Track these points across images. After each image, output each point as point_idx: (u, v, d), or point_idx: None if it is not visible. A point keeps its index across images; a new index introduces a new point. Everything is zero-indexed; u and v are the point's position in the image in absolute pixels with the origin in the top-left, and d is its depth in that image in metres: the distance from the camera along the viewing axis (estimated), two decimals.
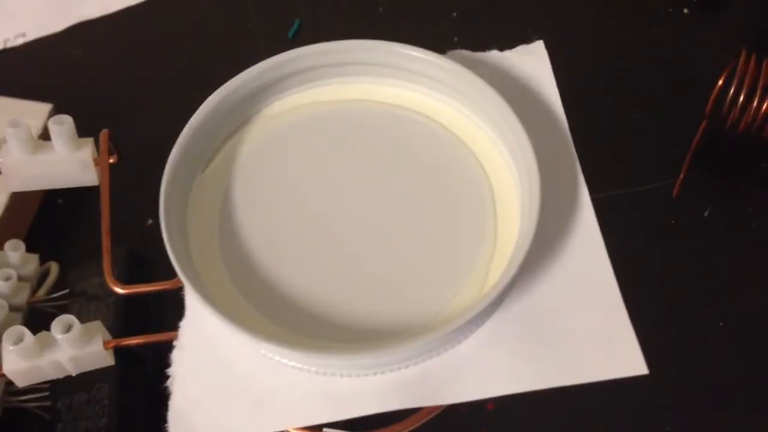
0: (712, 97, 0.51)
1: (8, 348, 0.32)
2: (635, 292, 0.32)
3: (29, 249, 0.46)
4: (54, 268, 0.48)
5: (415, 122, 0.36)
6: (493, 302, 0.30)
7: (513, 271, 0.30)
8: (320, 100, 0.37)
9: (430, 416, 0.33)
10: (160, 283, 0.35)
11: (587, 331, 0.31)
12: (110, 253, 0.35)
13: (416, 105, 0.37)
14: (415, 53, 0.35)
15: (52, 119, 0.35)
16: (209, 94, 0.35)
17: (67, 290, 0.46)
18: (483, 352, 0.31)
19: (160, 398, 0.32)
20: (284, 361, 0.31)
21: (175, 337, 0.33)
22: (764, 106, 0.49)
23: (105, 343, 0.34)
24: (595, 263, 0.33)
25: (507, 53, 0.38)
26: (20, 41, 0.64)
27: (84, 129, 0.37)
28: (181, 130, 0.34)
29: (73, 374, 0.34)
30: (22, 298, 0.44)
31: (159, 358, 0.34)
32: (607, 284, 0.32)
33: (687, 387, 0.46)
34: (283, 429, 0.31)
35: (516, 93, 0.35)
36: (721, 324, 0.48)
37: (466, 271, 0.32)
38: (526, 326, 0.31)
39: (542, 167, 0.32)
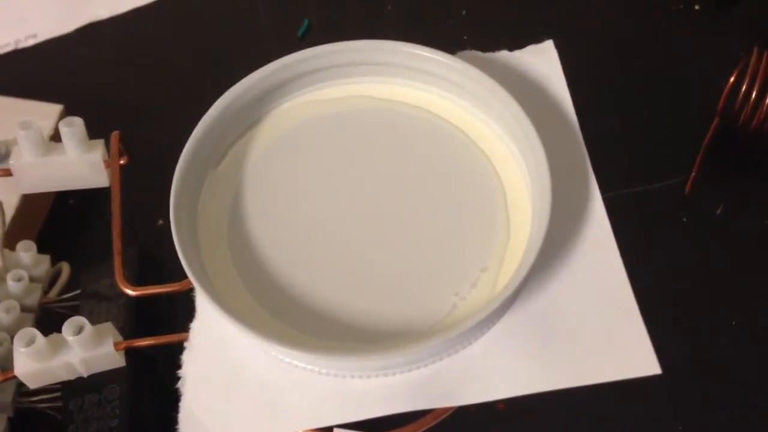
0: (724, 95, 0.51)
1: (20, 350, 0.32)
2: (646, 291, 0.32)
3: (41, 250, 0.46)
4: (65, 268, 0.48)
5: (425, 122, 0.36)
6: (504, 303, 0.29)
7: (524, 271, 0.30)
8: (330, 100, 0.37)
9: (441, 417, 0.33)
10: (170, 284, 0.35)
11: (600, 331, 0.31)
12: (121, 254, 0.35)
13: (426, 105, 0.37)
14: (426, 53, 0.35)
15: (62, 121, 0.36)
16: (219, 95, 0.35)
17: (79, 291, 0.46)
18: (494, 353, 0.31)
19: (172, 399, 0.32)
20: (294, 362, 0.31)
21: (186, 339, 0.33)
22: None
23: (116, 344, 0.34)
24: (607, 262, 0.32)
25: (516, 53, 0.38)
26: (31, 42, 0.64)
27: (94, 129, 0.37)
28: (191, 131, 0.34)
29: (85, 375, 0.34)
30: (34, 298, 0.44)
31: (170, 359, 0.34)
32: (619, 283, 0.32)
33: (699, 386, 0.45)
34: (293, 430, 0.31)
35: (526, 93, 0.35)
36: (733, 322, 0.47)
37: (478, 272, 0.32)
38: (537, 327, 0.31)
39: (553, 166, 0.31)
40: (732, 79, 0.50)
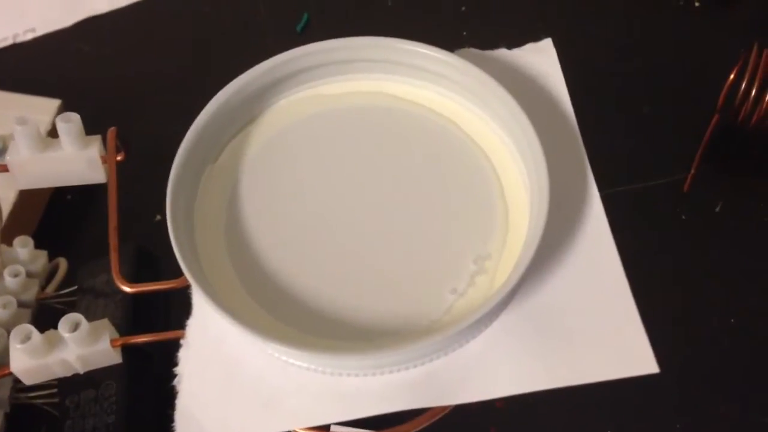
0: (724, 91, 0.51)
1: (16, 346, 0.32)
2: (645, 289, 0.32)
3: (38, 245, 0.46)
4: (63, 264, 0.48)
5: (423, 119, 0.36)
6: (501, 301, 0.29)
7: (522, 269, 0.29)
8: (328, 96, 0.37)
9: (439, 416, 0.33)
10: (167, 282, 0.35)
11: (597, 330, 0.31)
12: (117, 251, 0.35)
13: (425, 102, 0.36)
14: (424, 51, 0.35)
15: (59, 117, 0.35)
16: (218, 90, 0.35)
17: (76, 287, 0.46)
18: (491, 352, 0.31)
19: (168, 396, 0.32)
20: (291, 360, 0.31)
21: (183, 336, 0.33)
22: None
23: (112, 341, 0.33)
24: (604, 260, 0.32)
25: (516, 51, 0.38)
26: (29, 36, 0.64)
27: (92, 124, 0.37)
28: (189, 126, 0.34)
29: (81, 372, 0.34)
30: (31, 294, 0.44)
31: (167, 356, 0.34)
32: (616, 282, 0.32)
33: (697, 384, 0.45)
34: (290, 429, 0.31)
35: (525, 91, 0.35)
36: (732, 320, 0.47)
37: (475, 270, 0.32)
38: (535, 325, 0.31)
39: (551, 164, 0.31)
40: (732, 76, 0.50)
